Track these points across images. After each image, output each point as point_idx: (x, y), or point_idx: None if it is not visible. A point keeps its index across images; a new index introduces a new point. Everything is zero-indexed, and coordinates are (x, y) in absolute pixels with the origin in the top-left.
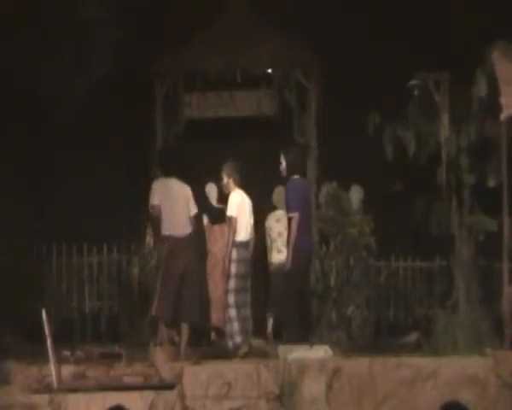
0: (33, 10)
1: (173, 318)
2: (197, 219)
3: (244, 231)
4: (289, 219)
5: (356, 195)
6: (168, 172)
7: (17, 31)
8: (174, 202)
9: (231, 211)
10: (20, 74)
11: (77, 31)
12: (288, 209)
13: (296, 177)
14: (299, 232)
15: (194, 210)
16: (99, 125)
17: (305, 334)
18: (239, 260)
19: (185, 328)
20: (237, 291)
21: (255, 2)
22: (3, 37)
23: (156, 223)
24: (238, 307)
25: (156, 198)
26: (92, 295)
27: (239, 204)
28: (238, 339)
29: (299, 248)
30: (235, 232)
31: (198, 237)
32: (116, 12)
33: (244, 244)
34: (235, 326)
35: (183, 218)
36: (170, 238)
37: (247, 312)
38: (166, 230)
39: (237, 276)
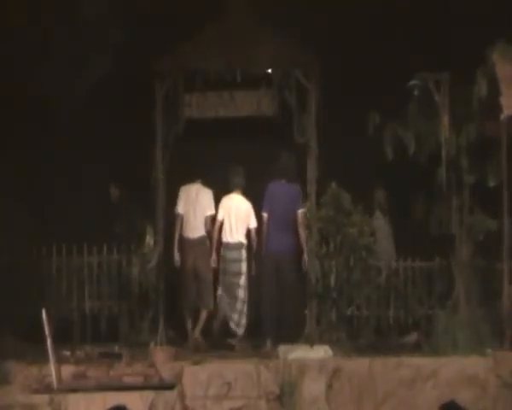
0: (33, 10)
1: (195, 307)
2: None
3: (229, 234)
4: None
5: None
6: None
7: (17, 31)
8: (192, 207)
9: (218, 214)
10: (20, 74)
11: (77, 31)
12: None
13: (280, 181)
14: (269, 233)
15: (209, 211)
16: (99, 124)
17: (283, 335)
18: (223, 260)
19: (203, 314)
20: (223, 287)
21: (255, 2)
22: (4, 36)
23: (177, 227)
24: (225, 300)
25: (180, 207)
26: (92, 295)
27: (225, 208)
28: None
29: (269, 248)
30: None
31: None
32: (116, 12)
33: (231, 246)
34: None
35: (198, 221)
36: (185, 239)
37: (238, 306)
38: (184, 232)
39: (223, 272)
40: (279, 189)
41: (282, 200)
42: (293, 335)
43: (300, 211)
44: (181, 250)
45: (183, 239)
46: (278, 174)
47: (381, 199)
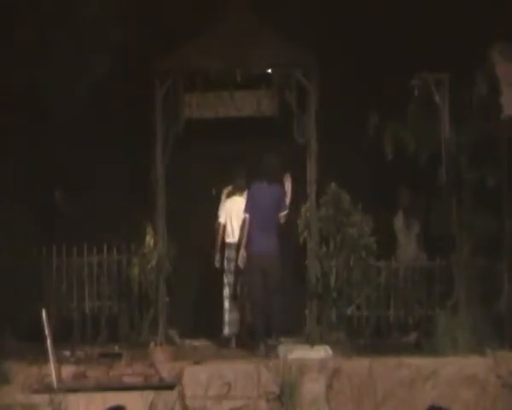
0: (33, 10)
1: None
2: None
3: (231, 235)
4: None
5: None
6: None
7: (17, 31)
8: (233, 212)
9: (220, 217)
10: (20, 74)
11: (77, 31)
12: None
13: (262, 183)
14: (251, 234)
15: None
16: (99, 125)
17: (271, 335)
18: (227, 260)
19: None
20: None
21: (255, 2)
22: (3, 37)
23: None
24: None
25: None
26: (92, 295)
27: (227, 211)
28: (226, 330)
29: (254, 249)
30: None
31: None
32: (116, 12)
33: (232, 246)
34: (226, 317)
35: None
36: (227, 244)
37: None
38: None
39: (228, 271)
40: (261, 191)
41: (264, 201)
42: (280, 334)
43: (282, 214)
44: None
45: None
46: (260, 176)
47: (404, 199)
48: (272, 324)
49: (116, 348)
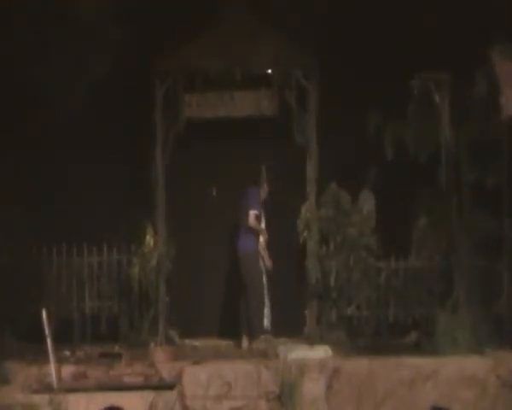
0: (33, 10)
1: None
2: None
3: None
4: None
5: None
6: None
7: (17, 30)
8: None
9: None
10: (20, 74)
11: (77, 31)
12: None
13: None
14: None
15: None
16: (99, 125)
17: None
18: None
19: None
20: None
21: (255, 2)
22: (3, 37)
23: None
24: None
25: None
26: (92, 295)
27: None
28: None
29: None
30: None
31: None
32: (116, 12)
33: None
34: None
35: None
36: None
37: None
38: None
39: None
40: (244, 195)
41: (241, 204)
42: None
43: (251, 212)
44: None
45: None
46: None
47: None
48: (249, 324)
49: (116, 348)
